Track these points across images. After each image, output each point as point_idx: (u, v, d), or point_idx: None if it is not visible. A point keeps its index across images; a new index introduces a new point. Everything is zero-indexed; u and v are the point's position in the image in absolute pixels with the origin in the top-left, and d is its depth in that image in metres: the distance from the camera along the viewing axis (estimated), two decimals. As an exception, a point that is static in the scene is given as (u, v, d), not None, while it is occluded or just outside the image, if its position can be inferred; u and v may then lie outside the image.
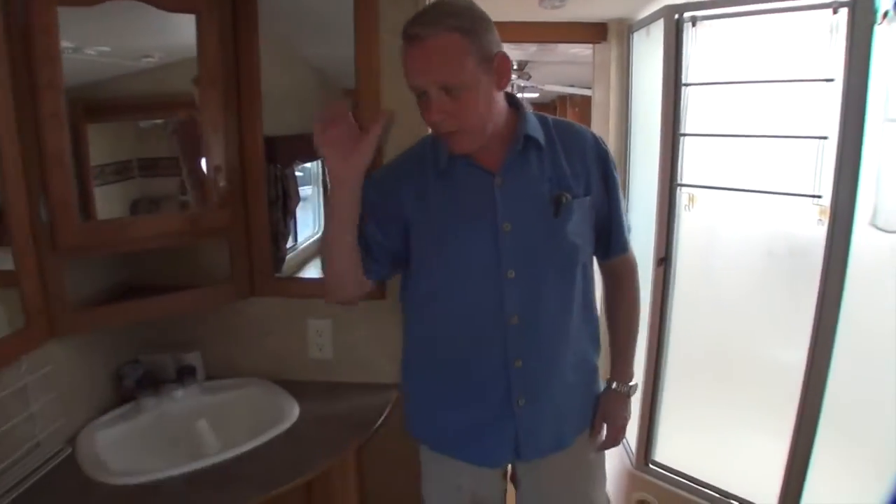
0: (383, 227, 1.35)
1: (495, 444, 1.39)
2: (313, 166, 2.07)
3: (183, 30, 1.56)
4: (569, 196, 1.30)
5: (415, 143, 1.42)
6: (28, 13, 1.31)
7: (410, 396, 1.50)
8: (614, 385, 1.52)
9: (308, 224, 2.12)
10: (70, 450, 1.48)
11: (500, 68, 1.21)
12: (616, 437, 1.53)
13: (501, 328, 1.32)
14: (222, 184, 1.61)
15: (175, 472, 1.41)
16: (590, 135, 1.40)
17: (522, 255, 1.30)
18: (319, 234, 2.04)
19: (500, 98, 1.27)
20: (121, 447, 1.54)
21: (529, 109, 1.37)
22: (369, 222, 1.35)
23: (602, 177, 1.37)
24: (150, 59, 1.61)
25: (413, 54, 1.17)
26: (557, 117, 1.42)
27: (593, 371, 1.50)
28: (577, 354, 1.42)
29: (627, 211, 1.48)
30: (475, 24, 1.17)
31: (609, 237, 1.43)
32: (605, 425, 1.52)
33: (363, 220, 1.34)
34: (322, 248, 1.44)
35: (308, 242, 2.07)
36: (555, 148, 1.34)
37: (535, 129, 1.32)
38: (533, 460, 1.44)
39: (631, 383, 1.53)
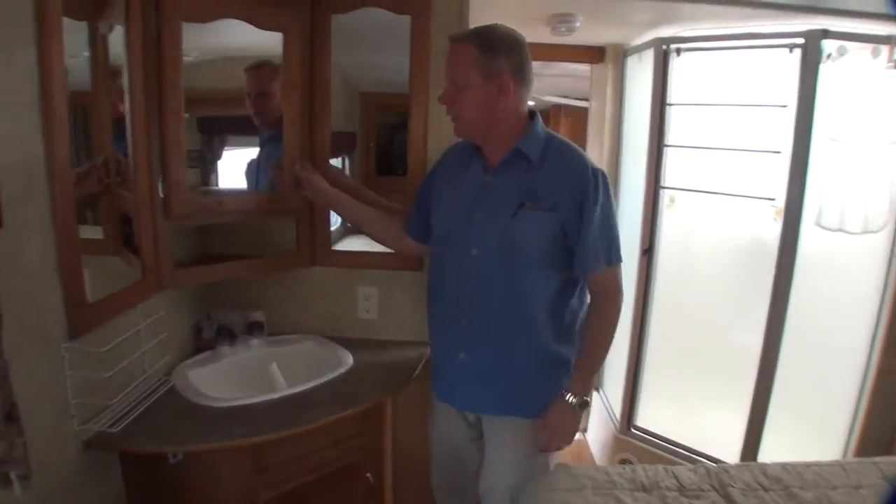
0: (426, 196, 1.78)
1: (443, 385, 1.74)
2: (335, 163, 2.22)
3: (220, 33, 1.83)
4: (530, 205, 1.54)
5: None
6: (160, 26, 1.64)
7: None
8: (564, 393, 1.60)
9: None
10: (172, 381, 1.82)
11: (501, 86, 1.50)
12: (546, 441, 1.62)
13: (459, 292, 1.64)
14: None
15: (262, 398, 1.75)
16: (580, 164, 1.55)
17: (485, 239, 1.58)
18: (339, 223, 2.24)
19: (506, 109, 1.53)
20: (209, 383, 1.87)
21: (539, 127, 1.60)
22: (422, 189, 1.80)
23: (577, 202, 1.52)
24: (186, 58, 1.77)
25: (448, 52, 1.56)
26: (566, 141, 1.63)
27: (554, 365, 1.63)
28: (530, 340, 1.61)
29: (611, 241, 1.57)
30: (496, 46, 1.48)
31: (576, 254, 1.56)
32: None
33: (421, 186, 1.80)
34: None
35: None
36: (543, 165, 1.56)
37: (530, 145, 1.56)
38: (476, 414, 1.75)
39: (581, 398, 1.59)
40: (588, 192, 1.52)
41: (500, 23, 1.55)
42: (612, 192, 1.59)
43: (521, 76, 1.53)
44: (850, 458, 2.14)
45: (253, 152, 2.07)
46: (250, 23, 1.81)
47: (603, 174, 1.56)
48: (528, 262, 1.57)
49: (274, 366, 1.95)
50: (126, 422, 1.57)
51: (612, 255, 1.59)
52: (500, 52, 1.49)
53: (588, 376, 1.66)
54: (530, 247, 1.56)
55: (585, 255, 1.56)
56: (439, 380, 1.76)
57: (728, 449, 2.54)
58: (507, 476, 1.69)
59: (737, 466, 1.68)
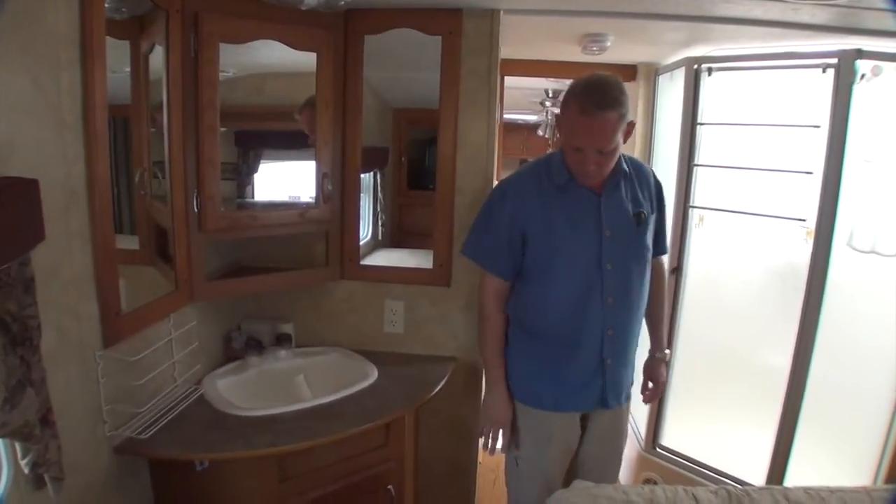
0: (514, 240, 1.77)
1: (589, 395, 1.83)
2: (367, 177, 2.30)
3: (258, 52, 1.87)
4: (645, 213, 1.79)
5: (530, 165, 1.84)
6: (198, 47, 1.70)
7: (515, 370, 1.86)
8: (657, 353, 2.01)
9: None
10: (201, 390, 1.87)
11: (628, 132, 1.66)
12: (658, 393, 2.07)
13: (602, 306, 1.76)
14: (329, 186, 1.99)
15: (287, 408, 1.79)
16: (651, 171, 1.91)
17: (617, 252, 1.75)
18: (370, 237, 2.35)
19: None
20: (236, 392, 1.92)
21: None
22: (502, 236, 1.79)
23: (657, 201, 1.88)
24: (225, 73, 1.81)
25: (585, 124, 1.59)
26: (630, 156, 1.87)
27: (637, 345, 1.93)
28: (638, 329, 1.90)
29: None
30: (628, 107, 1.60)
31: (658, 241, 1.92)
32: (650, 384, 2.03)
33: (494, 233, 1.80)
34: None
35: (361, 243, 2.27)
36: (632, 179, 1.81)
37: (625, 164, 1.78)
38: (598, 411, 1.86)
39: (667, 350, 2.03)
40: (661, 193, 1.91)
41: (598, 73, 1.64)
42: None
43: None
44: (880, 485, 2.09)
45: (290, 165, 2.15)
46: (285, 43, 1.87)
47: None
48: (648, 262, 1.85)
49: (301, 377, 1.99)
50: (155, 428, 1.61)
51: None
52: (629, 108, 1.61)
53: (666, 332, 2.09)
54: (649, 247, 1.84)
55: (664, 240, 1.98)
56: (574, 395, 1.83)
57: (755, 471, 2.49)
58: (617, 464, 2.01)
59: (759, 489, 1.66)
